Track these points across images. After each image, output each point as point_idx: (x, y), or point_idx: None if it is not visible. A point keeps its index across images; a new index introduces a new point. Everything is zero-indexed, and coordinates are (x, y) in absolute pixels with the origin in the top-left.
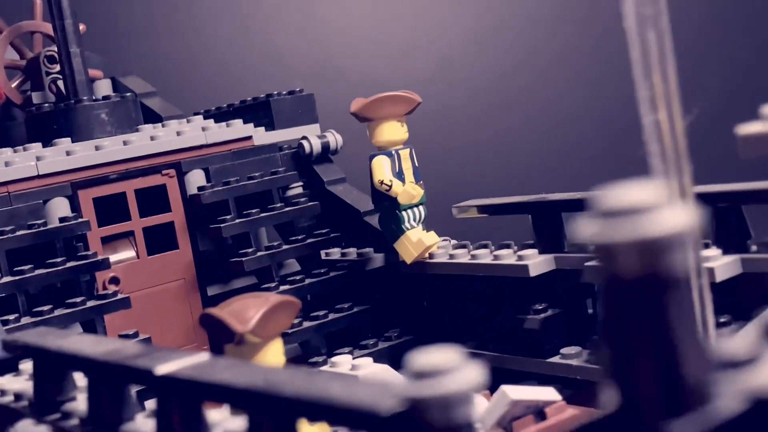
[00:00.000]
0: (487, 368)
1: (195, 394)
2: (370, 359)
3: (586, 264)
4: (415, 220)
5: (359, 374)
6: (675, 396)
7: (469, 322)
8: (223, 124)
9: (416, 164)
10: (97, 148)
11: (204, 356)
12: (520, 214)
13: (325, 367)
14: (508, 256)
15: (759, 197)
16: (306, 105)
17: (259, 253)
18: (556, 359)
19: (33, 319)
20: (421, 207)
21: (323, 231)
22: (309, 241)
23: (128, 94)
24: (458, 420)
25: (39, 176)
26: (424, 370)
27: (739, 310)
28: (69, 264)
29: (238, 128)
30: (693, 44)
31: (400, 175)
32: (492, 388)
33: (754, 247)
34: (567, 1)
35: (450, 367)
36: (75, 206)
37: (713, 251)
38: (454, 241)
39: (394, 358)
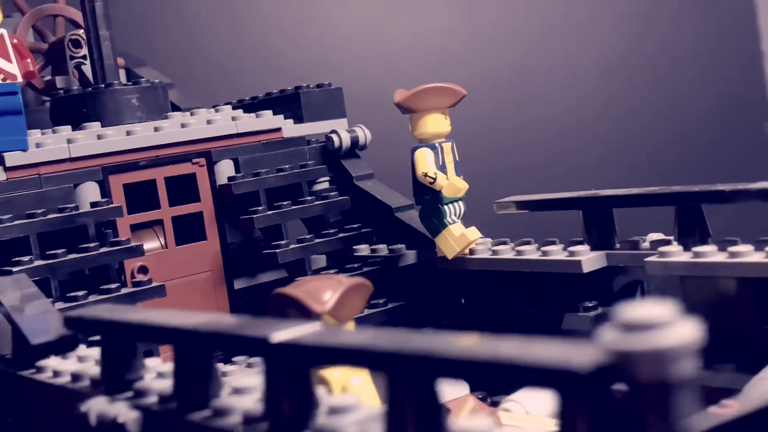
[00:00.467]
0: None
1: (320, 360)
2: None
3: (647, 260)
4: (455, 215)
5: None
6: None
7: (512, 320)
8: (253, 114)
9: (457, 159)
10: (128, 133)
11: (313, 325)
12: (570, 209)
13: None
14: (557, 252)
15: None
16: (335, 99)
17: (292, 246)
18: None
19: (67, 305)
20: (461, 202)
21: (354, 226)
22: (341, 235)
23: (156, 80)
24: (671, 377)
25: (71, 159)
26: (635, 323)
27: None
28: (102, 249)
29: (268, 119)
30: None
31: (442, 168)
32: None
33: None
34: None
35: (664, 321)
36: (105, 192)
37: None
38: (488, 239)
39: None
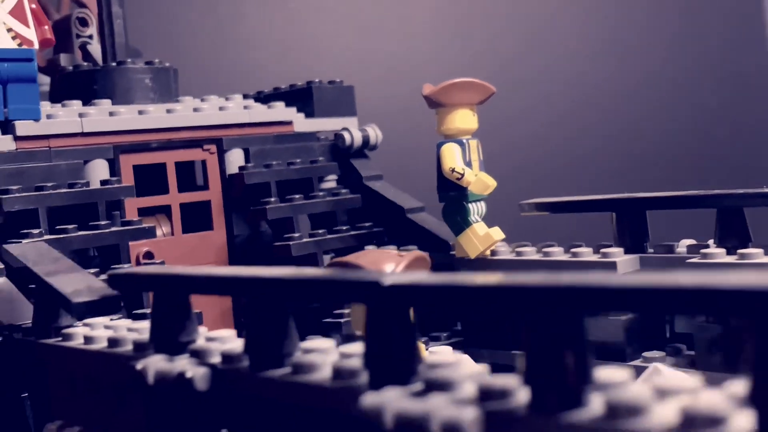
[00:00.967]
0: None
1: (441, 302)
2: (449, 348)
3: (689, 261)
4: (478, 214)
5: None
6: None
7: None
8: (264, 105)
9: (482, 157)
10: (140, 112)
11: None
12: (604, 211)
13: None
14: (588, 254)
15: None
16: (346, 96)
17: (305, 239)
18: (637, 362)
19: None
20: (483, 203)
21: (366, 225)
22: (353, 233)
23: (167, 64)
24: None
25: (82, 134)
26: None
27: None
28: (113, 228)
29: (280, 111)
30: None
31: (468, 165)
32: None
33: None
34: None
35: None
36: (114, 172)
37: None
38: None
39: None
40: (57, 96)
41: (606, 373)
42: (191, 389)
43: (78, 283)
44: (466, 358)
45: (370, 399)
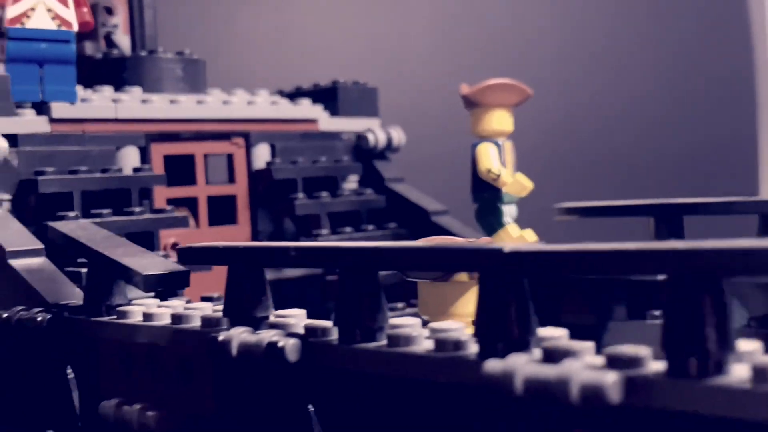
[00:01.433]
0: None
1: (564, 269)
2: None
3: None
4: (510, 216)
5: None
6: None
7: (569, 325)
8: (290, 102)
9: (515, 160)
10: (172, 102)
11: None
12: (641, 216)
13: None
14: None
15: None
16: (369, 98)
17: (333, 237)
18: None
19: None
20: (514, 206)
21: (391, 225)
22: (379, 232)
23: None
24: None
25: (116, 120)
26: None
27: None
28: (147, 215)
29: (306, 108)
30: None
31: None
32: None
33: None
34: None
35: None
36: (145, 160)
37: None
38: None
39: None
40: (85, 82)
41: (743, 342)
42: (279, 361)
43: (142, 257)
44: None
45: (495, 365)
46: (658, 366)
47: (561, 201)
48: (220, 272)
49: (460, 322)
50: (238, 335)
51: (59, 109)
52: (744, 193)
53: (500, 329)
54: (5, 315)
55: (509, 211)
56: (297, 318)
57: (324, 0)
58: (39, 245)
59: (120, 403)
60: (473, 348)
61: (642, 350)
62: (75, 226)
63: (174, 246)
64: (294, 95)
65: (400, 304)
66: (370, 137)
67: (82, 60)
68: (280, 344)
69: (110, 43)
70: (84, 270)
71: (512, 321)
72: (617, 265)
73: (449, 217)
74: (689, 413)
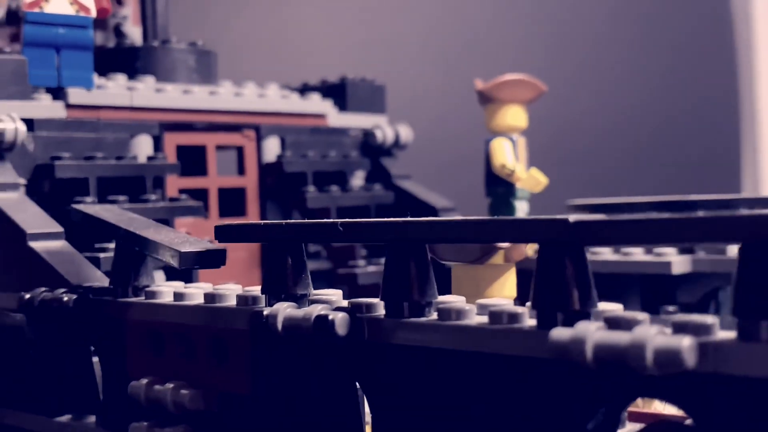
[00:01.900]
0: None
1: (626, 238)
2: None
3: None
4: (522, 212)
5: None
6: None
7: None
8: (300, 96)
9: (527, 156)
10: (185, 92)
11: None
12: (653, 212)
13: None
14: (640, 254)
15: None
16: (377, 95)
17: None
18: None
19: None
20: (526, 201)
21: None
22: None
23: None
24: None
25: (131, 108)
26: None
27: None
28: (162, 204)
29: (316, 103)
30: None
31: None
32: None
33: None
34: None
35: None
36: (158, 149)
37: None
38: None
39: None
40: (96, 72)
41: None
42: (327, 336)
43: (175, 236)
44: None
45: (563, 333)
46: (726, 333)
47: (570, 198)
48: (231, 265)
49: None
50: (284, 310)
51: (76, 94)
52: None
53: (561, 300)
54: (27, 296)
55: (522, 207)
56: (336, 297)
57: None
58: (59, 228)
59: (151, 383)
60: (528, 321)
61: (708, 318)
62: (100, 208)
63: None
64: (301, 91)
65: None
66: (378, 134)
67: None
68: (330, 318)
69: (119, 33)
70: (103, 255)
71: (573, 292)
72: (684, 233)
73: (457, 214)
74: (760, 378)
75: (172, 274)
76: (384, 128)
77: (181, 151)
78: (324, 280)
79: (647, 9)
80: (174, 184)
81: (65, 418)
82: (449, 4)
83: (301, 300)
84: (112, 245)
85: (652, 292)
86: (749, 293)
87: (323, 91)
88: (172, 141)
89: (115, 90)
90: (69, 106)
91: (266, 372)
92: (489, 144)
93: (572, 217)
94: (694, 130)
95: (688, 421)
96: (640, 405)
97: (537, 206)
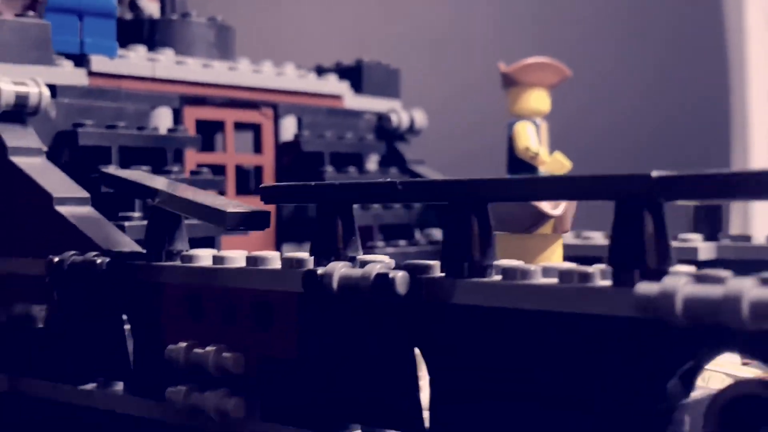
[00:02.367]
0: None
1: (711, 193)
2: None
3: None
4: None
5: None
6: None
7: None
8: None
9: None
10: (205, 66)
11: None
12: None
13: None
14: None
15: None
16: (392, 78)
17: (360, 212)
18: None
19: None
20: None
21: (416, 205)
22: (405, 210)
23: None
24: None
25: (152, 79)
26: None
27: None
28: (184, 176)
29: (333, 83)
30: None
31: None
32: None
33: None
34: None
35: None
36: (177, 122)
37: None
38: None
39: None
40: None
41: None
42: (387, 295)
43: (217, 198)
44: None
45: (650, 287)
46: None
47: None
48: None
49: None
50: (339, 269)
51: (99, 62)
52: None
53: (639, 258)
54: (56, 259)
55: None
56: (386, 260)
57: None
58: (85, 194)
59: (190, 346)
60: (600, 280)
61: None
62: (131, 173)
63: None
64: (316, 72)
65: None
66: (394, 118)
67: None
68: (390, 276)
69: (134, 6)
70: (128, 224)
71: (652, 250)
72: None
73: None
74: None
75: None
76: (399, 112)
77: (199, 126)
78: None
79: (637, 11)
80: (192, 159)
81: (91, 385)
82: None
83: (351, 263)
84: (136, 214)
85: None
86: None
87: (337, 74)
88: (192, 115)
89: (136, 60)
90: (91, 74)
91: (315, 335)
92: (512, 127)
93: (654, 173)
94: (685, 132)
95: None
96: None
97: None
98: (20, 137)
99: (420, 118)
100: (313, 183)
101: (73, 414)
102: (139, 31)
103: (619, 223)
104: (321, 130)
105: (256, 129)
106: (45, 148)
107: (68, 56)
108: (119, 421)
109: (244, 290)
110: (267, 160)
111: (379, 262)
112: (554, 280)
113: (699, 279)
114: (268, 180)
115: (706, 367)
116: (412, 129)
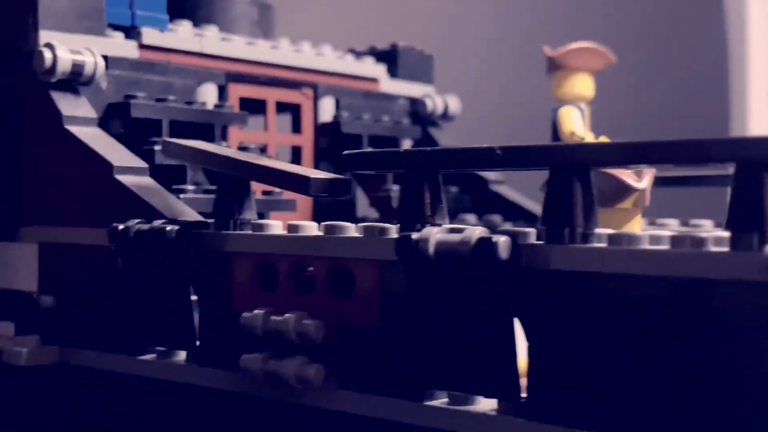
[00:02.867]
0: None
1: None
2: None
3: None
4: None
5: None
6: None
7: None
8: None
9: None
10: (249, 43)
11: None
12: (718, 186)
13: None
14: (675, 225)
15: None
16: (426, 64)
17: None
18: None
19: (206, 196)
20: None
21: (452, 189)
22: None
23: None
24: None
25: (200, 54)
26: None
27: None
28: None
29: (370, 66)
30: None
31: None
32: None
33: None
34: None
35: None
36: (222, 99)
37: None
38: None
39: None
40: None
41: None
42: (487, 260)
43: (293, 166)
44: None
45: None
46: None
47: None
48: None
49: None
50: (435, 234)
51: (150, 35)
52: None
53: (758, 221)
54: (121, 227)
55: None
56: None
57: None
58: (143, 164)
59: (269, 313)
60: (713, 246)
61: None
62: (196, 143)
63: None
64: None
65: None
66: (429, 103)
67: None
68: (493, 240)
69: None
70: (183, 196)
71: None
72: None
73: (506, 186)
74: None
75: None
76: (434, 97)
77: (244, 102)
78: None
79: (637, 10)
80: (234, 136)
81: (150, 356)
82: None
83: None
84: (190, 187)
85: None
86: None
87: (373, 56)
88: (236, 92)
89: (185, 35)
90: (142, 47)
91: (402, 302)
92: (556, 112)
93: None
94: (685, 132)
95: None
96: None
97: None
98: (75, 106)
99: (454, 104)
100: (401, 149)
101: (128, 384)
102: (182, 7)
103: (738, 187)
104: (358, 112)
105: (295, 109)
106: (97, 118)
107: (118, 28)
108: (180, 391)
109: (322, 258)
110: (306, 140)
111: (477, 227)
112: (664, 246)
113: None
114: (307, 161)
115: None
116: (445, 115)
